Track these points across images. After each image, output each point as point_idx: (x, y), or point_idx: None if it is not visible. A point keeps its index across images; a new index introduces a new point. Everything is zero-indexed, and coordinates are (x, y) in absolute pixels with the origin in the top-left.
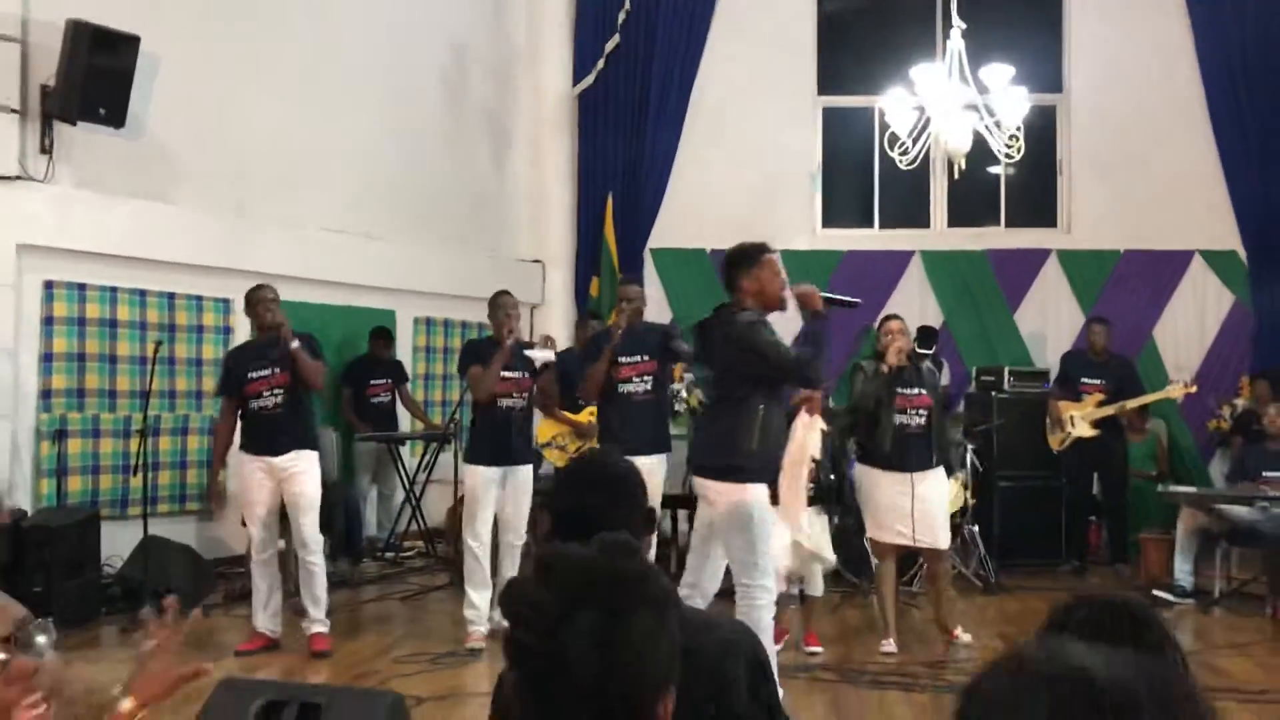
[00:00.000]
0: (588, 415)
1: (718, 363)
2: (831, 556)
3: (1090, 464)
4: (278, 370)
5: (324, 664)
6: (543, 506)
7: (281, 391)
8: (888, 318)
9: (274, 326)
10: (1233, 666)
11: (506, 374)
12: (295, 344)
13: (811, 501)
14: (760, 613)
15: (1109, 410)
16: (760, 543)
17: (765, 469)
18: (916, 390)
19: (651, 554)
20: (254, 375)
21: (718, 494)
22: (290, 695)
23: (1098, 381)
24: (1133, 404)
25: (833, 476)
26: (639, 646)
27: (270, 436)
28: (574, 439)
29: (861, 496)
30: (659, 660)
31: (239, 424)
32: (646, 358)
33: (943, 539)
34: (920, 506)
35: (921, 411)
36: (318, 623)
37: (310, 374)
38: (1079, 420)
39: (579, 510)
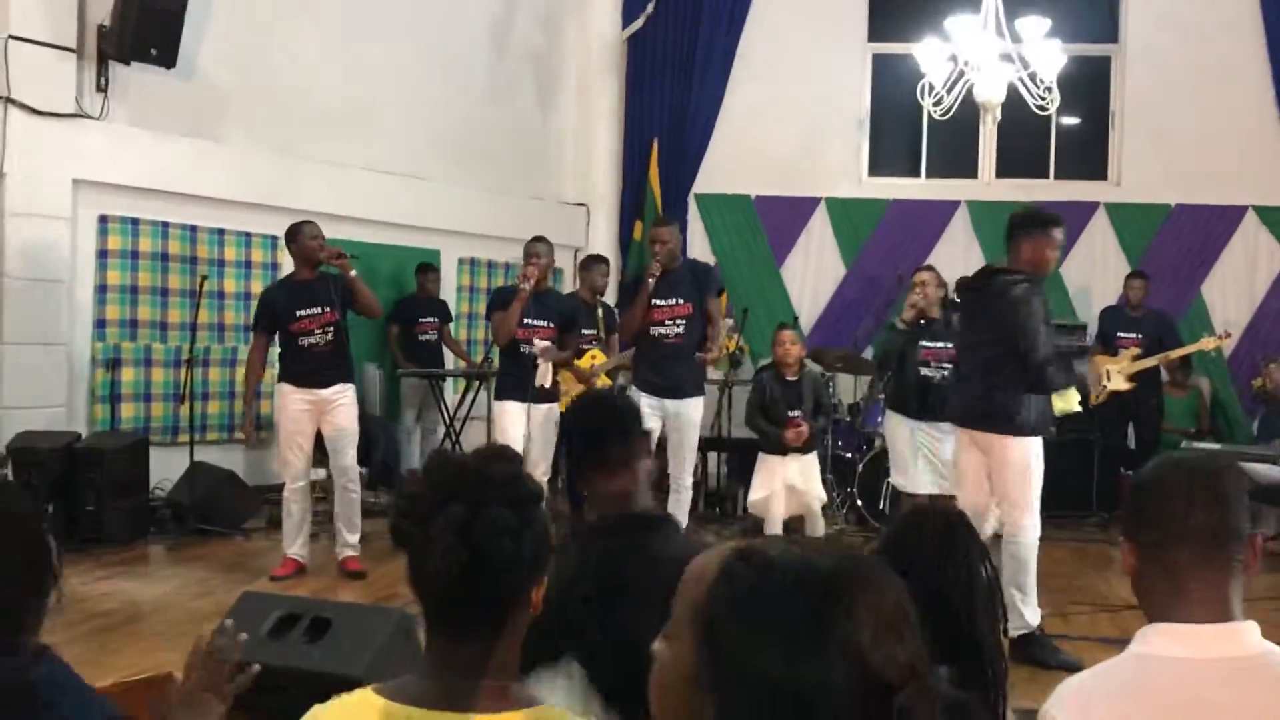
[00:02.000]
0: (589, 360)
1: (987, 321)
2: (823, 494)
3: (1125, 418)
4: (327, 309)
5: (355, 585)
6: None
7: (331, 328)
8: (919, 269)
9: (332, 257)
10: None
11: (530, 322)
12: (354, 272)
13: (802, 450)
14: (1025, 547)
15: (1144, 364)
16: (1032, 487)
17: (1041, 423)
18: (942, 344)
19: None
20: (302, 314)
21: (1003, 447)
22: (304, 609)
23: (1134, 336)
24: (1169, 356)
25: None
26: (498, 536)
27: (317, 371)
28: (575, 384)
29: (890, 444)
30: (520, 551)
31: (280, 357)
32: (681, 300)
33: None
34: (939, 454)
35: (945, 364)
36: (350, 547)
37: (371, 302)
38: (1114, 374)
39: (585, 436)
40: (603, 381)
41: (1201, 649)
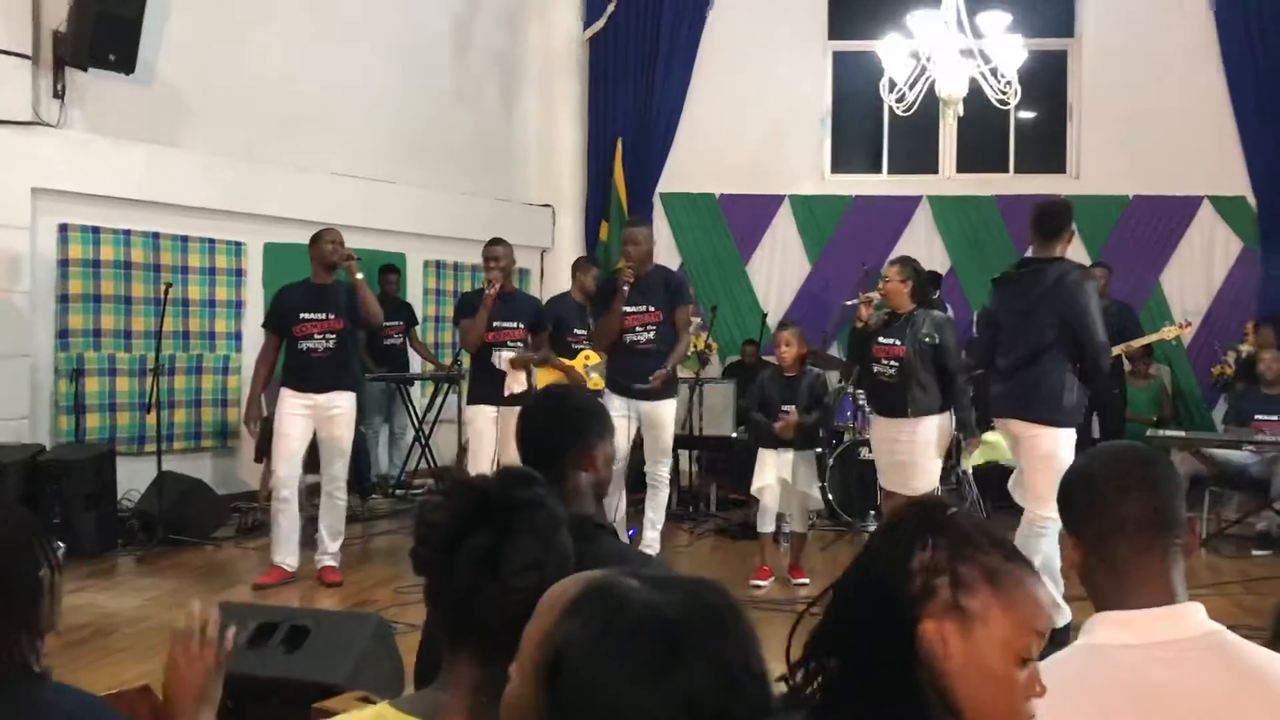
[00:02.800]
0: (582, 361)
1: (1036, 312)
2: (818, 496)
3: (1089, 408)
4: (332, 315)
5: (331, 592)
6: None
7: (334, 336)
8: (890, 262)
9: (344, 259)
10: (1211, 605)
11: (500, 324)
12: (361, 276)
13: (797, 445)
14: (1046, 541)
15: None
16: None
17: (1077, 414)
18: (892, 340)
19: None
20: (306, 317)
21: (1045, 437)
22: (281, 618)
23: None
24: (1130, 345)
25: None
26: (524, 570)
27: (316, 376)
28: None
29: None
30: (541, 581)
31: (284, 360)
32: (652, 308)
33: (913, 486)
34: (890, 452)
35: (892, 362)
36: (330, 555)
37: (372, 309)
38: None
39: (537, 439)
40: (596, 383)
41: (1147, 634)
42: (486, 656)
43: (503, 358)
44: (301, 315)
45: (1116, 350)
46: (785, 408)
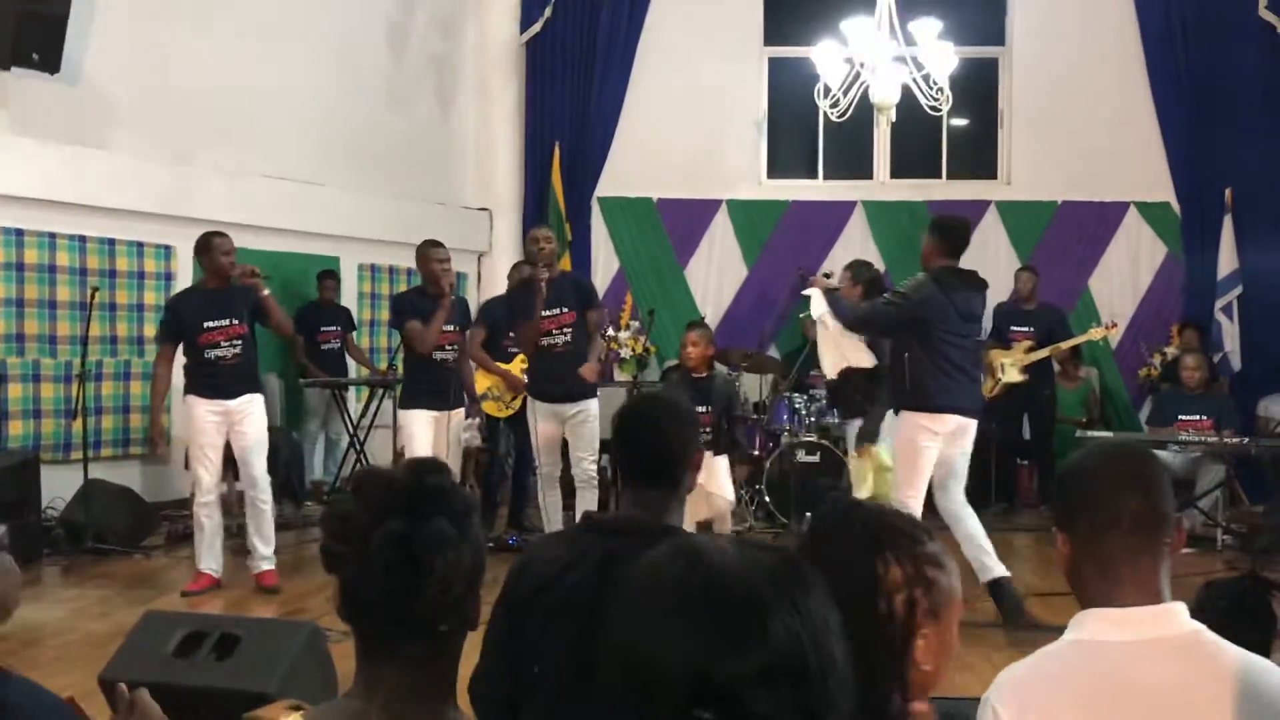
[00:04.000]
0: (519, 365)
1: (979, 316)
2: (731, 496)
3: (1020, 409)
4: (235, 321)
5: (263, 601)
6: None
7: (239, 341)
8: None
9: (243, 275)
10: None
11: (444, 328)
12: (267, 291)
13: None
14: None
15: (1036, 355)
16: None
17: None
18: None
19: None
20: (209, 325)
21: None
22: (211, 626)
23: (1026, 329)
24: (1059, 347)
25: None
26: (440, 549)
27: (226, 383)
28: (508, 390)
29: None
30: (459, 563)
31: (186, 369)
32: (565, 309)
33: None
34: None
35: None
36: (265, 559)
37: (283, 321)
38: (1008, 367)
39: (654, 445)
40: None
41: (1136, 631)
42: (403, 657)
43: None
44: (205, 324)
45: (1045, 353)
46: (697, 409)
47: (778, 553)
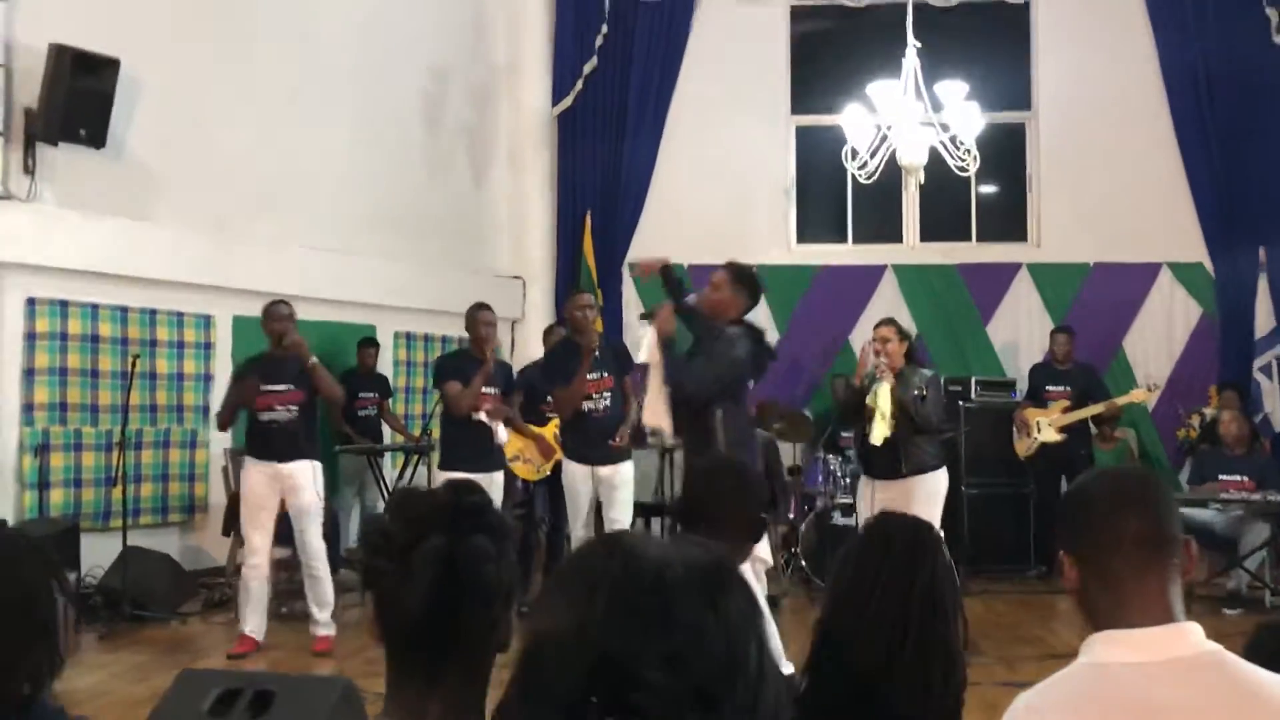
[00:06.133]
0: (553, 429)
1: None
2: (768, 557)
3: (1058, 469)
4: (292, 387)
5: (302, 663)
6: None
7: (295, 407)
8: (880, 323)
9: (292, 346)
10: None
11: (483, 390)
12: (314, 360)
13: None
14: None
15: (1074, 416)
16: None
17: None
18: None
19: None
20: (267, 389)
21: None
22: (245, 683)
23: (1062, 389)
24: (1097, 408)
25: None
26: (477, 564)
27: (279, 446)
28: (539, 453)
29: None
30: (498, 579)
31: (246, 430)
32: (606, 374)
33: None
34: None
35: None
36: (322, 625)
37: (331, 391)
38: (1045, 426)
39: (704, 502)
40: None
41: (1149, 652)
42: (436, 679)
43: (484, 410)
44: (263, 388)
45: (1086, 413)
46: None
47: (709, 552)
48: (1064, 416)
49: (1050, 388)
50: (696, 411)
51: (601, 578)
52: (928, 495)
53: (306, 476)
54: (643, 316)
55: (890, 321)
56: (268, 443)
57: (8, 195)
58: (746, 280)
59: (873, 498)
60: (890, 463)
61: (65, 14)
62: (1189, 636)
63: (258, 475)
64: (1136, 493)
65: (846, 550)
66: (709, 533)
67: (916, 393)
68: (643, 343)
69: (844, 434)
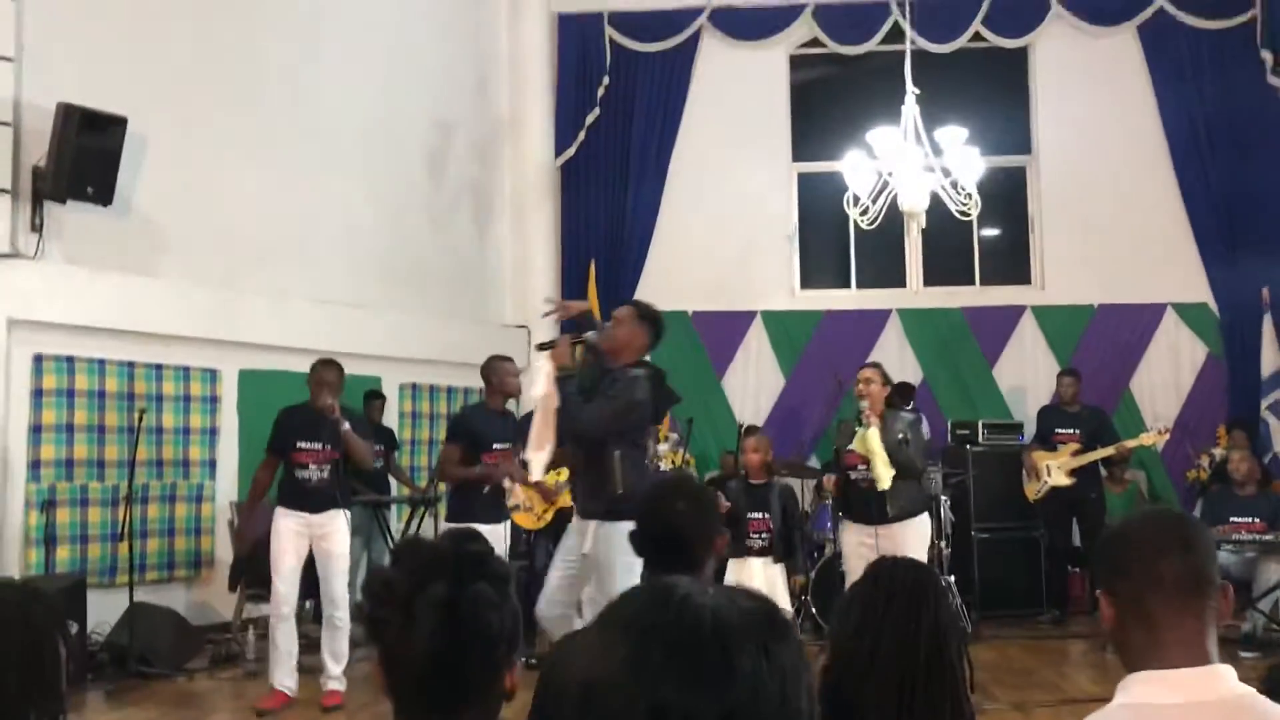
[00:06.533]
0: (554, 478)
1: None
2: (789, 607)
3: (1068, 513)
4: (328, 446)
5: (318, 718)
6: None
7: (328, 466)
8: (863, 366)
9: (325, 410)
10: None
11: (498, 446)
12: (347, 426)
13: (765, 552)
14: None
15: (1085, 459)
16: None
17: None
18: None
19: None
20: (302, 445)
21: None
22: None
23: (1071, 431)
24: (1107, 451)
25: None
26: (480, 611)
27: (312, 501)
28: (541, 501)
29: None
30: (501, 626)
31: (279, 480)
32: None
33: None
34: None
35: (859, 468)
36: (334, 680)
37: (363, 456)
38: (1054, 469)
39: (670, 530)
40: (566, 498)
41: (1186, 693)
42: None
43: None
44: (299, 444)
45: (1095, 455)
46: (752, 515)
47: (757, 599)
48: (1073, 459)
49: (1059, 430)
50: (592, 452)
51: (656, 626)
52: (918, 539)
53: (336, 524)
54: (540, 347)
55: (875, 365)
56: (301, 497)
57: (16, 253)
58: (649, 318)
59: (859, 544)
60: (877, 508)
61: (73, 73)
62: (1225, 679)
63: (287, 524)
64: (1178, 534)
65: (850, 596)
66: (670, 557)
67: (901, 437)
68: (538, 375)
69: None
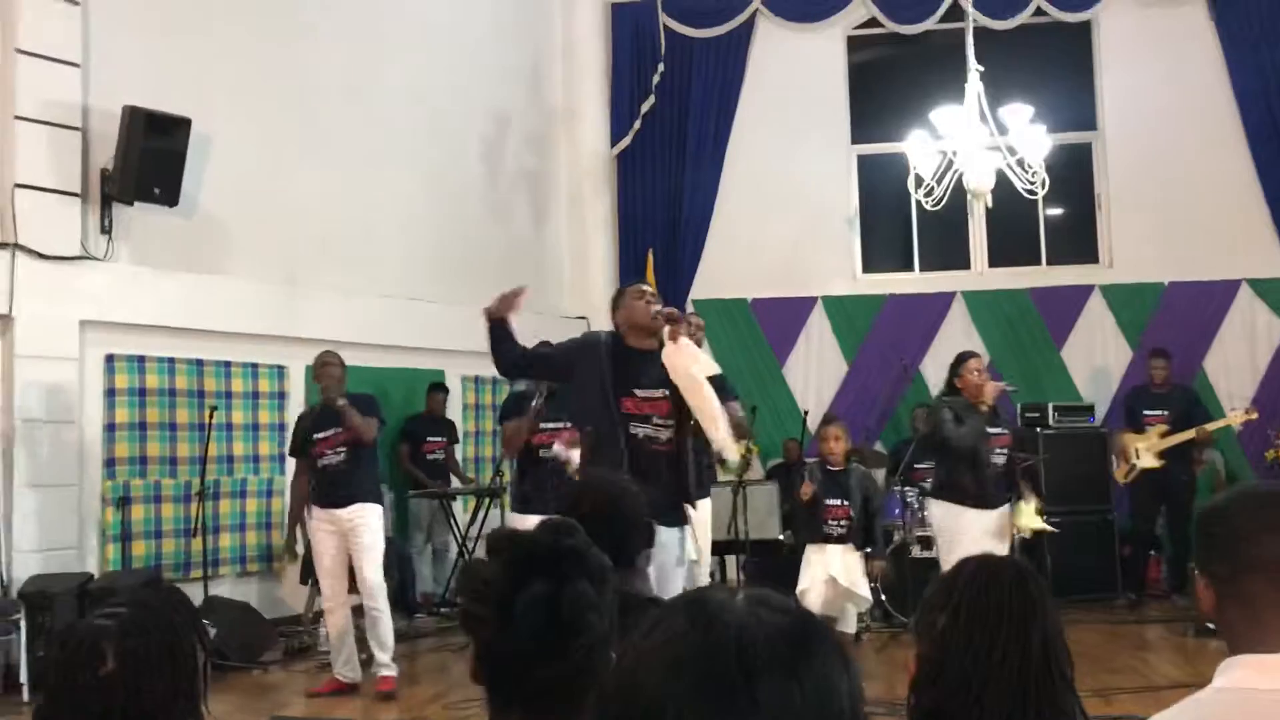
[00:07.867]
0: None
1: None
2: (867, 594)
3: (1159, 495)
4: (339, 430)
5: (384, 707)
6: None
7: (344, 449)
8: (967, 355)
9: (322, 393)
10: None
11: (549, 426)
12: (342, 401)
13: (843, 539)
14: None
15: (1174, 439)
16: None
17: None
18: (1000, 429)
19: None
20: (319, 436)
21: None
22: None
23: (1160, 413)
24: (1189, 434)
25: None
26: (585, 612)
27: (334, 490)
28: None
29: (941, 535)
30: (600, 626)
31: (310, 482)
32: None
33: None
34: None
35: (1003, 450)
36: (383, 666)
37: (359, 429)
38: (1144, 452)
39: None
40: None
41: None
42: (536, 716)
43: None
44: (315, 436)
45: (1183, 437)
46: (831, 501)
47: (789, 614)
48: (1162, 441)
49: (1148, 412)
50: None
51: (686, 649)
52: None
53: (364, 518)
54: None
55: (976, 354)
56: (324, 488)
57: (86, 255)
58: None
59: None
60: (1002, 492)
61: (137, 76)
62: None
63: (318, 524)
64: (1277, 511)
65: (949, 605)
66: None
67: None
68: (701, 356)
69: (918, 466)
